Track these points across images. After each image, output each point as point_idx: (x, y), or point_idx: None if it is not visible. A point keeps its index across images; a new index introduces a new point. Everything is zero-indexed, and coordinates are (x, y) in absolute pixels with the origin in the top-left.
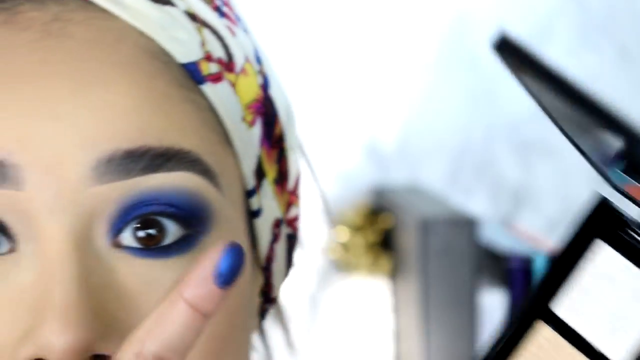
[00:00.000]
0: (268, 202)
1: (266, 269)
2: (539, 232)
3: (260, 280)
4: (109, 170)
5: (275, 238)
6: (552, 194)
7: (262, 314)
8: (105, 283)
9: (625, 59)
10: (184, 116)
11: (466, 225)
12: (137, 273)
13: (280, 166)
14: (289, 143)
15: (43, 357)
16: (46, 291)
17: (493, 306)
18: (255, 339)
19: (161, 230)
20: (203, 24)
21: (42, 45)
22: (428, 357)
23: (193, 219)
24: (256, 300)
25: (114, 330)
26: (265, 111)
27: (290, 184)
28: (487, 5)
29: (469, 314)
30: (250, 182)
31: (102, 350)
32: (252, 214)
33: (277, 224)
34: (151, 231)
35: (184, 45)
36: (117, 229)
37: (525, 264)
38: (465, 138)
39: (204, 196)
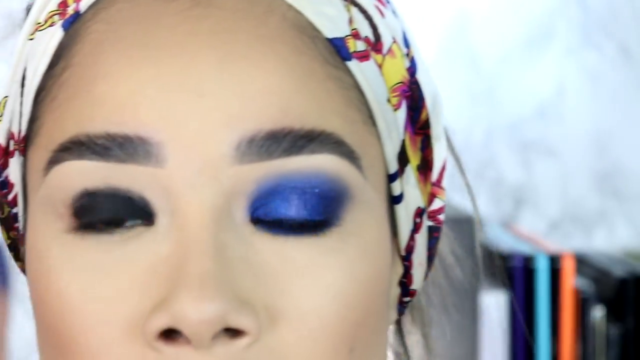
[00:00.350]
0: (410, 189)
1: (406, 259)
2: (540, 232)
3: (399, 270)
4: (250, 150)
5: (416, 228)
6: (552, 194)
7: (400, 308)
8: (242, 258)
9: (626, 57)
10: (327, 94)
11: (466, 225)
12: (273, 250)
13: (425, 154)
14: (435, 132)
15: (176, 327)
16: (183, 262)
17: (494, 306)
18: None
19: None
20: (352, 2)
21: (190, 15)
22: (429, 357)
23: (332, 202)
24: (395, 291)
25: (247, 304)
26: (411, 95)
27: (434, 174)
28: (487, 5)
29: (470, 314)
30: (393, 166)
31: (236, 324)
32: (393, 200)
33: (419, 213)
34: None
35: (332, 21)
36: (255, 207)
37: (526, 264)
38: (465, 138)
39: (344, 179)
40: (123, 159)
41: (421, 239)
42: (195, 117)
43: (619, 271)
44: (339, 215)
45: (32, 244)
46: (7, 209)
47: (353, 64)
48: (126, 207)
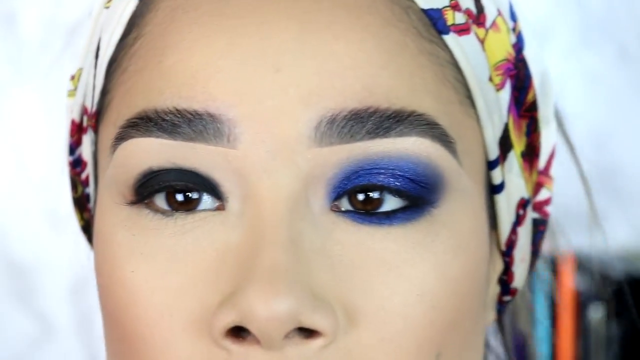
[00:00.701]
0: (513, 178)
1: (506, 254)
2: None
3: (499, 266)
4: (331, 131)
5: (519, 220)
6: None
7: (500, 307)
8: (318, 249)
9: (625, 58)
10: (418, 70)
11: None
12: (354, 241)
13: (531, 139)
14: (543, 114)
15: (244, 325)
16: (254, 253)
17: None
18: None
19: (383, 195)
20: None
21: None
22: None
23: (423, 189)
24: (494, 289)
25: (323, 302)
26: (517, 74)
27: (542, 162)
28: None
29: None
30: (494, 152)
31: (309, 323)
32: (493, 189)
33: (523, 204)
34: (373, 194)
35: None
36: (335, 193)
37: None
38: None
39: (437, 164)
40: (192, 137)
41: (524, 232)
42: (271, 93)
43: (618, 271)
44: (430, 204)
45: (99, 228)
46: (80, 189)
47: (450, 38)
48: (194, 189)
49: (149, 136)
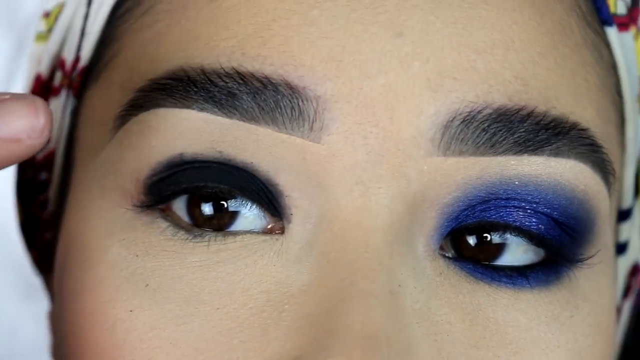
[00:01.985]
0: (635, 235)
1: None
2: None
3: None
4: (465, 134)
5: (627, 291)
6: None
7: None
8: (421, 311)
9: None
10: (581, 68)
11: None
12: (468, 305)
13: None
14: None
15: None
16: (336, 306)
17: None
18: None
19: (507, 238)
20: None
21: None
22: None
23: (567, 239)
24: None
25: None
26: None
27: None
28: None
29: None
30: (628, 198)
31: None
32: (617, 249)
33: (635, 271)
34: (494, 236)
35: None
36: (449, 228)
37: None
38: None
39: (592, 204)
40: (254, 115)
41: (628, 307)
42: (386, 66)
43: None
44: (572, 261)
45: (76, 236)
46: (30, 171)
47: (613, 33)
48: (242, 195)
49: (188, 107)
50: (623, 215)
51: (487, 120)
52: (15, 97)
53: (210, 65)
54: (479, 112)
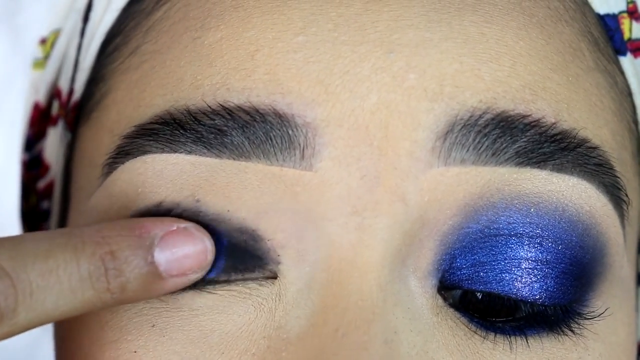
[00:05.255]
0: None
1: None
2: None
3: None
4: (465, 139)
5: None
6: None
7: None
8: (417, 352)
9: None
10: (595, 89)
11: None
12: (462, 345)
13: None
14: None
15: None
16: (327, 355)
17: None
18: None
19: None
20: None
21: None
22: None
23: (581, 274)
24: None
25: None
26: None
27: None
28: None
29: None
30: None
31: None
32: (638, 279)
33: None
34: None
35: None
36: (446, 266)
37: None
38: None
39: (600, 231)
40: (245, 150)
41: None
42: (379, 83)
43: None
44: (579, 302)
45: None
46: (33, 199)
47: (627, 61)
48: (231, 244)
49: (175, 151)
50: None
51: (488, 125)
52: (187, 233)
53: (195, 105)
54: (481, 116)
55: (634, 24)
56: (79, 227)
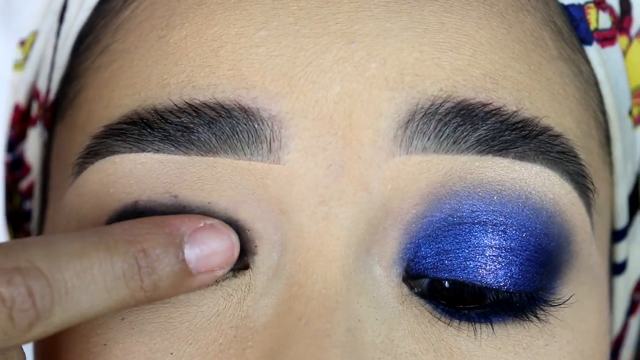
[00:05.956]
0: (635, 250)
1: (613, 354)
2: None
3: None
4: (425, 127)
5: (633, 307)
6: None
7: None
8: (382, 344)
9: None
10: (558, 77)
11: None
12: (431, 336)
13: None
14: None
15: None
16: (289, 343)
17: None
18: None
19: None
20: None
21: None
22: None
23: (547, 260)
24: None
25: None
26: None
27: None
28: None
29: None
30: (622, 218)
31: None
32: (614, 268)
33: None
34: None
35: None
36: (410, 255)
37: None
38: None
39: (565, 218)
40: (212, 146)
41: (636, 324)
42: (341, 73)
43: None
44: (546, 290)
45: None
46: (17, 200)
47: (593, 51)
48: None
49: (144, 150)
50: (618, 235)
51: (449, 113)
52: (215, 230)
53: (162, 104)
54: (441, 105)
55: (601, 14)
56: (107, 226)
